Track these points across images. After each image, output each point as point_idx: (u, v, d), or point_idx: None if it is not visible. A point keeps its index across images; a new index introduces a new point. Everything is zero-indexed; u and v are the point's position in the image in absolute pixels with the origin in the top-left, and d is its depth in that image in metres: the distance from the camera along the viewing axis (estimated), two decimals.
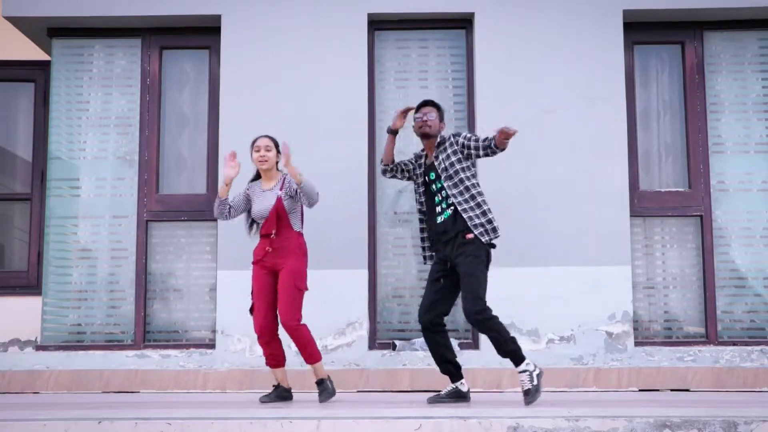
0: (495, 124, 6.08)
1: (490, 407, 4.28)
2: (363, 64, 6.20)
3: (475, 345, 6.03)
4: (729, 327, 6.19)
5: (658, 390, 5.84)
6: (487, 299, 4.70)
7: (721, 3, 6.17)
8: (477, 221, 4.71)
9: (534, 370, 4.61)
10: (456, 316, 6.15)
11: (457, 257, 4.71)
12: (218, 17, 6.27)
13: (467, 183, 4.79)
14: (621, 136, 6.11)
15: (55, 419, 3.72)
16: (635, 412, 3.90)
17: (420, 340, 5.99)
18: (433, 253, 4.97)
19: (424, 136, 4.94)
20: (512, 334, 4.89)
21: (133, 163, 6.39)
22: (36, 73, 7.01)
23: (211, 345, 6.09)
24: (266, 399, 5.10)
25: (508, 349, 4.64)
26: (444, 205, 4.81)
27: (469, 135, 4.87)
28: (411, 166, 5.08)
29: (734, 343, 6.07)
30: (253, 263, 5.10)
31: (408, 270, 6.23)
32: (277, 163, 5.16)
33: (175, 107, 6.50)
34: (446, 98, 6.33)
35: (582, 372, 5.87)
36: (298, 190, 4.90)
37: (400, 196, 6.27)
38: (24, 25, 6.42)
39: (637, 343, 6.02)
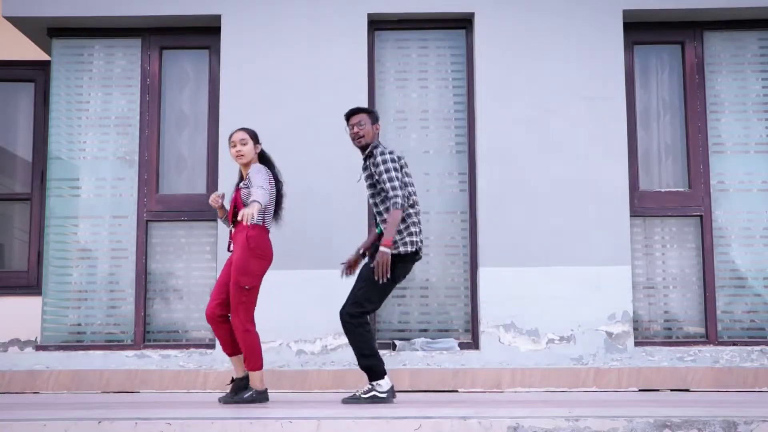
0: (495, 124, 6.11)
1: (490, 407, 4.28)
2: (363, 64, 6.20)
3: (475, 345, 6.04)
4: (729, 327, 6.19)
5: (658, 390, 5.84)
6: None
7: (721, 3, 6.17)
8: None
9: (377, 393, 4.77)
10: (452, 315, 6.15)
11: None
12: (218, 17, 6.27)
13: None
14: (621, 136, 6.11)
15: (55, 419, 3.72)
16: (635, 412, 3.90)
17: (420, 340, 5.99)
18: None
19: (361, 148, 4.91)
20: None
21: (133, 163, 6.39)
22: (36, 73, 7.01)
23: (211, 345, 6.09)
24: (225, 399, 4.90)
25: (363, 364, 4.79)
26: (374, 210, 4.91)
27: (383, 175, 4.74)
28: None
29: (734, 343, 6.07)
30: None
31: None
32: (259, 155, 5.03)
33: (175, 107, 6.50)
34: (446, 98, 6.34)
35: (582, 372, 5.87)
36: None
37: None
38: (24, 25, 6.42)
39: (637, 343, 6.02)
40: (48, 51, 6.66)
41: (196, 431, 3.65)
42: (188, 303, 6.29)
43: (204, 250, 6.32)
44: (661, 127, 6.42)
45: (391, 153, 4.79)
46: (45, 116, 6.83)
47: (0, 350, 6.62)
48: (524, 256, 5.93)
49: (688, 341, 6.13)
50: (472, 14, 6.25)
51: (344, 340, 5.93)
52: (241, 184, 4.97)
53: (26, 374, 5.96)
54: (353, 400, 4.79)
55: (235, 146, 4.96)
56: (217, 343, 5.95)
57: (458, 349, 5.96)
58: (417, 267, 6.20)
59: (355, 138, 4.88)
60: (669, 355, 5.92)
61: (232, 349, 4.97)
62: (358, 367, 6.00)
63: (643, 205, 6.25)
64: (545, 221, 5.97)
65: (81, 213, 6.37)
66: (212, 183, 6.30)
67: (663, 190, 6.32)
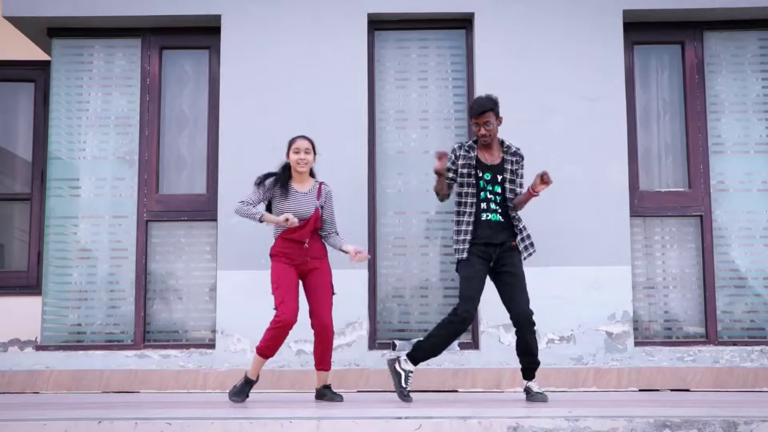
0: None
1: (490, 407, 4.28)
2: (363, 64, 6.20)
3: (475, 345, 6.04)
4: (729, 327, 6.19)
5: (658, 390, 5.84)
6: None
7: (721, 3, 6.17)
8: (524, 233, 4.91)
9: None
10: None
11: (504, 260, 4.83)
12: (218, 17, 6.27)
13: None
14: (621, 136, 6.11)
15: (55, 419, 3.72)
16: (635, 412, 3.90)
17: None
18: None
19: (486, 146, 4.91)
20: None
21: (133, 163, 6.39)
22: (36, 73, 7.01)
23: (211, 345, 6.09)
24: (239, 398, 4.88)
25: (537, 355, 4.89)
26: (493, 206, 4.85)
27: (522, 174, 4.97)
28: (453, 173, 4.90)
29: (734, 343, 6.07)
30: (279, 257, 4.92)
31: (408, 270, 6.22)
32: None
33: (175, 107, 6.50)
34: (446, 98, 6.34)
35: (582, 372, 5.87)
36: (330, 230, 5.09)
37: (400, 197, 6.28)
38: (24, 25, 6.42)
39: (637, 343, 6.02)
40: (48, 51, 6.66)
41: (196, 431, 3.65)
42: (188, 303, 6.29)
43: (204, 250, 6.32)
44: (661, 127, 6.42)
45: None
46: (45, 116, 6.83)
47: (0, 350, 6.62)
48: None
49: (688, 341, 6.13)
50: (472, 14, 6.25)
51: (344, 340, 5.94)
52: (317, 203, 5.00)
53: (26, 374, 5.96)
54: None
55: (299, 153, 4.96)
56: (217, 343, 5.96)
57: (458, 349, 5.96)
58: (417, 267, 6.22)
59: (485, 137, 4.83)
60: (669, 355, 5.92)
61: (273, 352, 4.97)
62: (357, 367, 6.01)
63: (643, 205, 6.25)
64: (545, 221, 5.96)
65: (81, 213, 6.37)
66: (212, 183, 6.30)
67: (663, 190, 6.32)
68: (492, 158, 4.90)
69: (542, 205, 5.98)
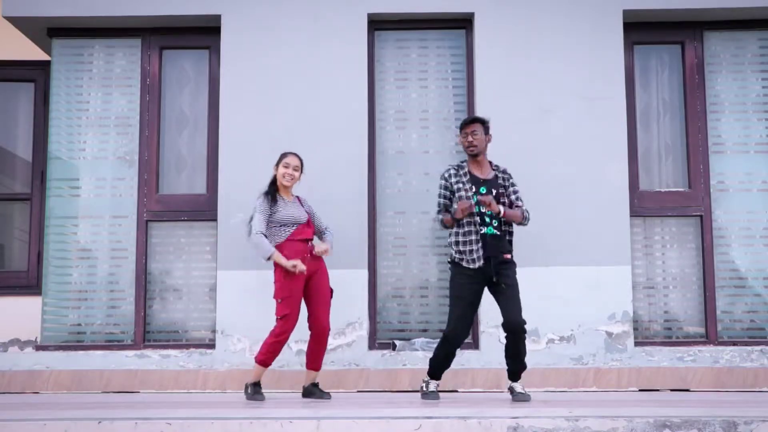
0: (495, 124, 6.10)
1: (490, 407, 4.28)
2: (363, 64, 6.20)
3: (475, 345, 6.03)
4: (729, 327, 6.19)
5: (658, 390, 5.84)
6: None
7: (721, 3, 6.17)
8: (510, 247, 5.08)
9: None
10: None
11: (500, 272, 4.95)
12: (218, 17, 6.26)
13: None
14: (621, 136, 6.11)
15: (55, 419, 3.72)
16: (635, 412, 3.90)
17: (420, 340, 5.99)
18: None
19: (473, 155, 5.05)
20: None
21: (133, 163, 6.39)
22: (36, 73, 7.01)
23: (211, 345, 6.09)
24: (260, 397, 5.19)
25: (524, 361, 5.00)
26: (488, 219, 4.96)
27: (516, 191, 5.11)
28: (451, 192, 5.08)
29: (734, 343, 6.07)
30: (289, 271, 5.11)
31: (408, 270, 6.22)
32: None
33: (175, 107, 6.50)
34: (446, 98, 6.34)
35: (582, 372, 5.87)
36: (324, 234, 5.45)
37: (400, 197, 6.28)
38: (24, 25, 6.42)
39: (637, 343, 6.02)
40: (48, 51, 6.66)
41: (196, 431, 3.65)
42: (188, 303, 6.29)
43: (204, 250, 6.32)
44: (661, 127, 6.42)
45: None
46: (45, 116, 6.83)
47: (0, 350, 6.62)
48: (524, 257, 5.90)
49: (688, 341, 6.13)
50: (472, 14, 6.25)
51: (344, 340, 5.94)
52: (304, 210, 5.36)
53: (26, 374, 5.96)
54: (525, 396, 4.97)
55: (288, 168, 5.29)
56: (217, 343, 5.95)
57: (458, 349, 5.95)
58: (417, 267, 6.22)
59: (470, 146, 5.01)
60: (669, 355, 5.92)
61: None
62: (357, 367, 6.01)
63: (643, 205, 6.25)
64: (545, 221, 5.96)
65: (81, 213, 6.36)
66: (212, 183, 6.30)
67: (663, 190, 6.32)
68: (484, 174, 5.06)
69: (542, 205, 5.99)
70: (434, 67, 6.39)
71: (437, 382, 5.13)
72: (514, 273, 5.01)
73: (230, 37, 6.23)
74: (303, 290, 5.18)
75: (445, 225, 5.05)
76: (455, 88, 6.34)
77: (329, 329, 5.24)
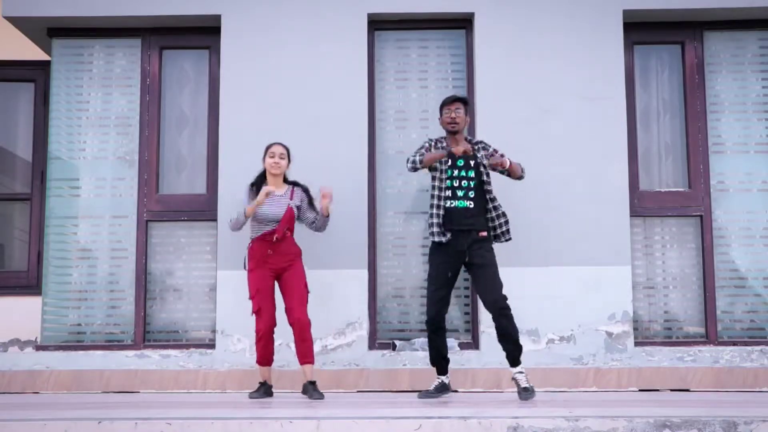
0: (495, 124, 6.11)
1: (490, 407, 4.28)
2: (363, 64, 6.20)
3: (475, 345, 6.03)
4: (729, 327, 6.19)
5: (658, 390, 5.84)
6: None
7: (721, 3, 6.17)
8: (499, 221, 5.10)
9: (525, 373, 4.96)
10: (452, 315, 6.15)
11: (474, 250, 4.97)
12: (218, 17, 6.26)
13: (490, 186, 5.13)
14: (621, 136, 6.11)
15: (55, 419, 3.72)
16: (635, 412, 3.90)
17: (420, 340, 5.99)
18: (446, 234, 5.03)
19: (452, 132, 5.19)
20: None
21: (133, 163, 6.39)
22: (36, 73, 7.01)
23: (211, 345, 6.09)
24: (256, 395, 5.30)
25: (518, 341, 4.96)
26: (461, 193, 5.02)
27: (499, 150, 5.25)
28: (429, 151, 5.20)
29: (734, 343, 6.07)
30: (257, 266, 5.27)
31: (408, 270, 6.22)
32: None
33: (175, 107, 6.50)
34: None
35: (582, 372, 5.87)
36: (316, 217, 5.42)
37: (400, 197, 6.27)
38: (24, 25, 6.42)
39: (637, 343, 6.02)
40: (48, 51, 6.66)
41: (196, 431, 3.65)
42: (188, 303, 6.29)
43: (204, 250, 6.32)
44: (661, 127, 6.42)
45: None
46: (45, 116, 6.83)
47: (0, 350, 6.62)
48: (524, 256, 5.92)
49: (688, 341, 6.13)
50: (472, 14, 6.25)
51: (344, 340, 5.95)
52: (291, 203, 5.37)
53: (26, 374, 5.96)
54: (529, 390, 4.91)
55: (273, 157, 5.38)
56: (217, 343, 5.96)
57: (458, 349, 5.96)
58: (417, 267, 6.22)
59: (451, 122, 5.16)
60: (669, 355, 5.92)
61: (272, 359, 5.44)
62: (357, 367, 6.01)
63: (643, 205, 6.25)
64: (545, 221, 5.97)
65: (81, 213, 6.36)
66: (212, 183, 6.30)
67: (663, 190, 6.32)
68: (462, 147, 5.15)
69: (542, 205, 6.00)
70: (434, 67, 6.39)
71: (444, 376, 5.14)
72: (491, 252, 5.02)
73: (230, 37, 6.23)
74: (273, 287, 5.29)
75: (418, 164, 5.09)
76: (455, 88, 6.33)
77: (308, 322, 5.24)
